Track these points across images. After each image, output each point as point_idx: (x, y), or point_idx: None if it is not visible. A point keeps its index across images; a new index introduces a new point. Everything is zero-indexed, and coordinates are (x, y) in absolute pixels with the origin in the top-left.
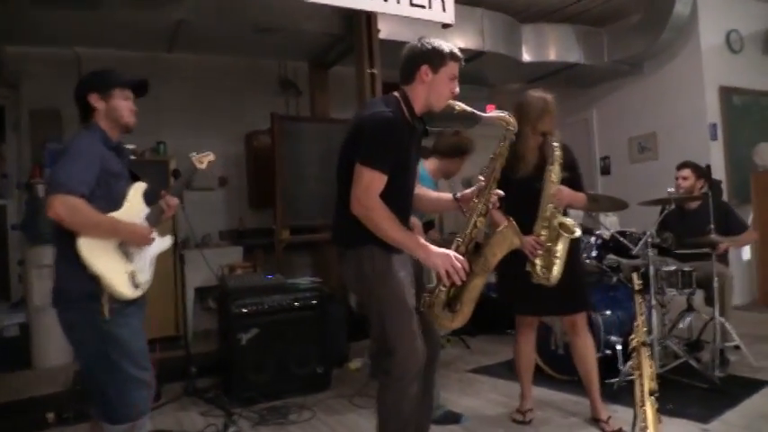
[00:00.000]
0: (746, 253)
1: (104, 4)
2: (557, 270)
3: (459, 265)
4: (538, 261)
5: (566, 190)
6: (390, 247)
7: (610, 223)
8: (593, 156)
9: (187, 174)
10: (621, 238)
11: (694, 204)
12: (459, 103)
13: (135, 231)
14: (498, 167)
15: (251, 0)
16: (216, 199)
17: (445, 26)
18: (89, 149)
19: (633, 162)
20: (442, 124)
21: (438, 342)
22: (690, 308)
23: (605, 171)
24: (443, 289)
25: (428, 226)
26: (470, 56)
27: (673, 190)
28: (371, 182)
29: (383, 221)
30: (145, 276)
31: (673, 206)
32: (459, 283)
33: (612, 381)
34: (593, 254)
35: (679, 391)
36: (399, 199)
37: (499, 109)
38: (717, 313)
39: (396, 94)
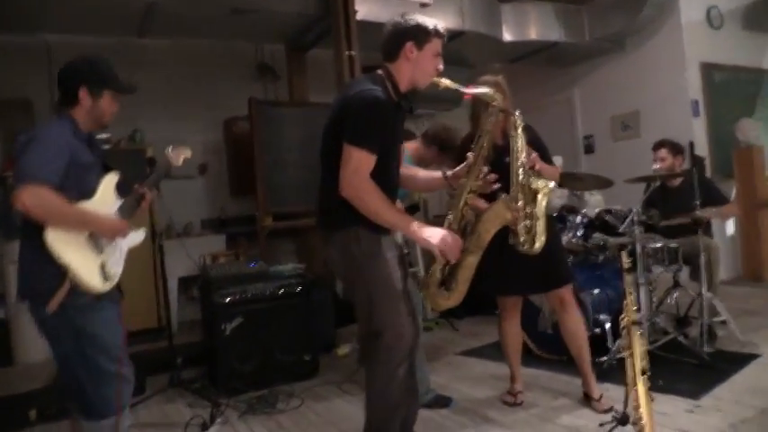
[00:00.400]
0: (730, 228)
1: None
2: (540, 234)
3: (453, 242)
4: (521, 230)
5: (538, 160)
6: (378, 228)
7: (595, 202)
8: (576, 135)
9: (161, 169)
10: (607, 217)
11: (677, 181)
12: (444, 80)
13: (105, 223)
14: (487, 144)
15: None
16: (196, 187)
17: (423, 5)
18: (58, 139)
19: (616, 140)
20: (430, 106)
21: (419, 326)
22: (676, 284)
23: (589, 150)
24: (438, 268)
25: (413, 210)
26: (450, 36)
27: (658, 167)
28: (361, 162)
29: (375, 203)
30: (116, 268)
31: (658, 183)
32: (453, 261)
33: (602, 359)
34: (579, 233)
35: (668, 367)
36: (386, 179)
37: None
38: (704, 289)
39: (380, 72)
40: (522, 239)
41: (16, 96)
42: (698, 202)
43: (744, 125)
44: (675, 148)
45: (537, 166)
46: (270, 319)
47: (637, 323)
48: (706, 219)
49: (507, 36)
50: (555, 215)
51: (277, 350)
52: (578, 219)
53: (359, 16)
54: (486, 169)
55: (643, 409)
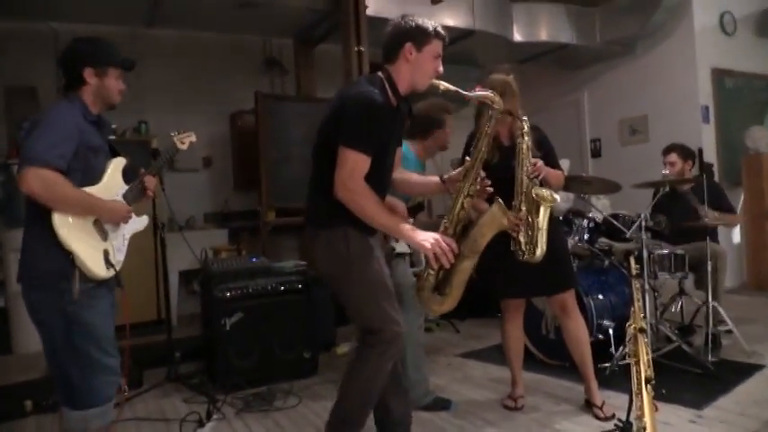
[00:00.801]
0: (737, 236)
1: None
2: (541, 243)
3: (446, 247)
4: (521, 238)
5: (543, 166)
6: (366, 228)
7: (601, 206)
8: (583, 138)
9: (167, 153)
10: (614, 221)
11: (686, 186)
12: (443, 83)
13: (112, 209)
14: (484, 147)
15: None
16: (200, 180)
17: (435, 2)
18: (67, 121)
19: (624, 144)
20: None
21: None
22: (681, 291)
23: (596, 154)
24: (432, 272)
25: (417, 209)
26: (460, 35)
27: (667, 172)
28: (356, 165)
29: (370, 206)
30: (119, 256)
31: (667, 188)
32: (447, 265)
33: (605, 365)
34: (585, 237)
35: (672, 375)
36: (378, 181)
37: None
38: (710, 297)
39: (380, 73)
40: (522, 248)
41: (22, 84)
42: (707, 209)
43: (754, 133)
44: (686, 153)
45: (542, 174)
46: (270, 315)
47: (643, 331)
48: (713, 226)
49: (518, 36)
50: (561, 218)
51: (276, 347)
52: (584, 223)
53: (369, 12)
54: (483, 173)
55: (647, 419)
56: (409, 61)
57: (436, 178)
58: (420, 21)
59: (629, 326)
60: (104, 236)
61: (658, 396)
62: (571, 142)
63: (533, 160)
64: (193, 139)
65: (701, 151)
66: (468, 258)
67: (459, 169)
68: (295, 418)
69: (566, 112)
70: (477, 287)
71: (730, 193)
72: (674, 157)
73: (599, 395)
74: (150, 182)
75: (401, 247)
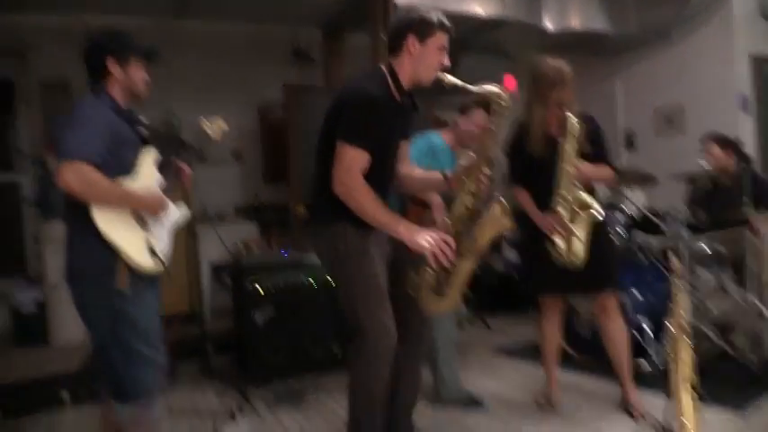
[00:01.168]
0: None
1: None
2: (578, 250)
3: (445, 246)
4: (557, 240)
5: (586, 167)
6: (365, 225)
7: (636, 199)
8: (616, 128)
9: (199, 138)
10: (650, 216)
11: (727, 179)
12: (449, 76)
13: (146, 200)
14: (490, 144)
15: None
16: (231, 173)
17: None
18: (98, 116)
19: (659, 135)
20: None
21: (423, 321)
22: (721, 288)
23: (629, 144)
24: (431, 271)
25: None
26: (489, 24)
27: (706, 163)
28: (353, 160)
29: (366, 202)
30: (162, 245)
31: (705, 181)
32: (446, 264)
33: (641, 361)
34: (620, 231)
35: (712, 376)
36: (378, 177)
37: (518, 81)
38: (750, 294)
39: (382, 67)
40: (557, 251)
41: (56, 79)
42: (746, 199)
43: None
44: (727, 144)
45: (583, 170)
46: (300, 309)
47: (683, 330)
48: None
49: (549, 25)
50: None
51: (307, 341)
52: (618, 216)
53: (398, 0)
54: (488, 172)
55: (688, 421)
56: (412, 54)
57: (438, 174)
58: (424, 12)
59: (669, 325)
60: (145, 226)
61: (699, 397)
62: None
63: (576, 165)
64: (224, 126)
65: (739, 142)
66: (468, 259)
67: (463, 165)
68: (325, 412)
69: (598, 102)
70: (510, 282)
71: None
72: (714, 147)
73: (636, 395)
74: (185, 167)
75: None
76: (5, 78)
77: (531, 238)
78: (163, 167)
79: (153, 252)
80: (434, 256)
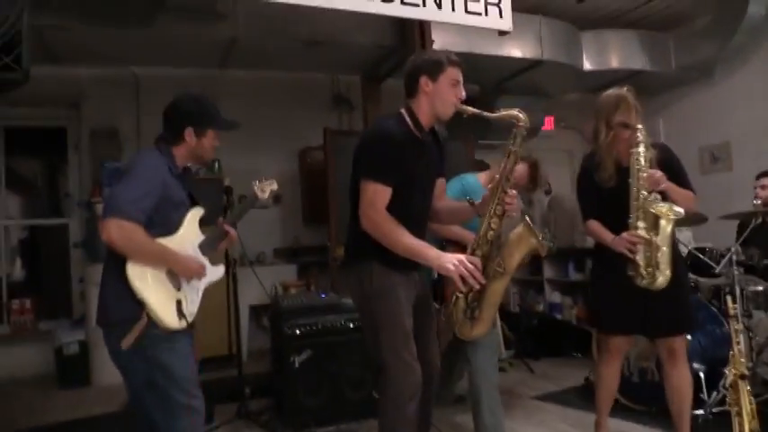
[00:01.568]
0: None
1: (159, 23)
2: (663, 266)
3: (472, 267)
4: (640, 260)
5: (663, 179)
6: (392, 264)
7: (684, 239)
8: None
9: (248, 203)
10: (701, 255)
11: None
12: (467, 107)
13: (185, 264)
14: (511, 166)
15: (302, 14)
16: (271, 216)
17: (502, 34)
18: (154, 175)
19: (704, 173)
20: (505, 137)
21: (436, 367)
22: None
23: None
24: (460, 295)
25: None
26: (528, 65)
27: (758, 201)
28: (375, 195)
29: (391, 232)
30: (192, 307)
31: (759, 220)
32: (475, 286)
33: (698, 413)
34: None
35: None
36: (407, 213)
37: (558, 121)
38: None
39: (402, 110)
40: (641, 272)
41: (105, 126)
42: None
43: None
44: None
45: (663, 186)
46: (340, 352)
47: (745, 377)
48: None
49: (587, 64)
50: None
51: (346, 385)
52: None
53: (435, 46)
54: (514, 192)
55: None
56: (427, 93)
57: (466, 203)
58: (432, 53)
59: (729, 371)
60: (178, 286)
61: None
62: None
63: (651, 171)
64: (275, 186)
65: None
66: (497, 280)
67: (490, 189)
68: None
69: None
70: (554, 325)
71: None
72: (766, 183)
73: None
74: (233, 235)
75: None
76: (59, 126)
77: (606, 272)
78: (207, 223)
79: (180, 313)
80: (462, 278)
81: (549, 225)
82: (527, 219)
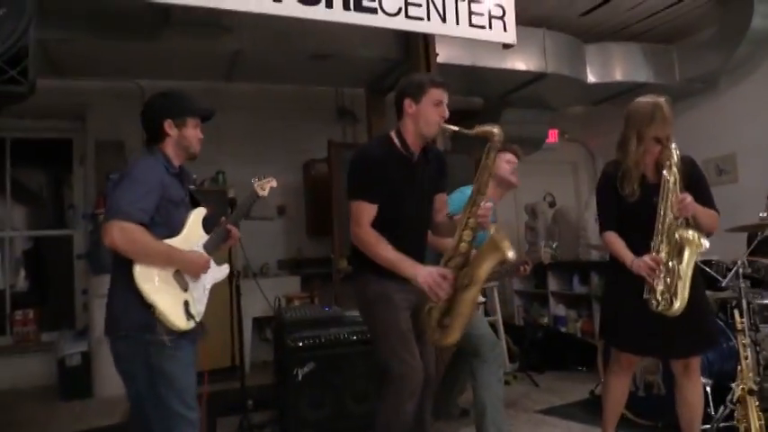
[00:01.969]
0: None
1: (164, 36)
2: (681, 295)
3: (440, 279)
4: (658, 285)
5: (691, 198)
6: (386, 274)
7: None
8: None
9: (248, 201)
10: (707, 268)
11: None
12: (450, 126)
13: (192, 260)
14: (485, 180)
15: (307, 28)
16: (274, 228)
17: (506, 47)
18: (150, 176)
19: (711, 185)
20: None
21: (431, 373)
22: None
23: None
24: (433, 305)
25: None
26: (532, 78)
27: (765, 214)
28: (359, 212)
29: (373, 246)
30: (199, 307)
31: (766, 232)
32: (444, 297)
33: (704, 428)
34: None
35: None
36: (397, 227)
37: (562, 133)
38: None
39: (391, 131)
40: (658, 297)
41: (110, 138)
42: None
43: None
44: None
45: (690, 212)
46: (343, 365)
47: (753, 392)
48: None
49: (591, 77)
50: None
51: (349, 399)
52: None
53: (440, 59)
54: (489, 204)
55: None
56: (411, 115)
57: (446, 217)
58: (415, 76)
59: (737, 386)
60: (185, 286)
61: None
62: None
63: (681, 195)
64: (274, 184)
65: None
66: (467, 290)
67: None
68: None
69: None
70: (558, 338)
71: None
72: None
73: None
74: (234, 233)
75: None
76: (65, 138)
77: (621, 289)
78: (209, 226)
79: (189, 313)
80: (432, 290)
81: (553, 237)
82: (493, 229)
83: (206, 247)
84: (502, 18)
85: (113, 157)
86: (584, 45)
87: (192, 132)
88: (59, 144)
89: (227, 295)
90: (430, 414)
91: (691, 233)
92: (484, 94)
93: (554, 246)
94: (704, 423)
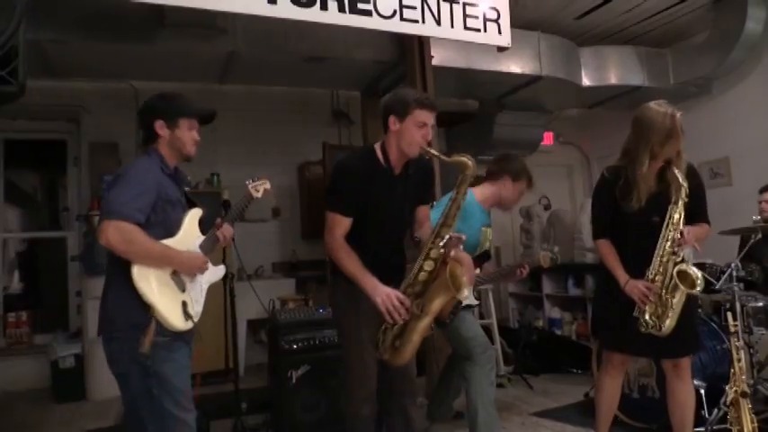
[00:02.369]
0: None
1: (159, 38)
2: (669, 322)
3: (397, 304)
4: (647, 308)
5: (692, 232)
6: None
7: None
8: None
9: (242, 202)
10: (701, 271)
11: None
12: (431, 150)
13: (188, 260)
14: (453, 213)
15: (301, 30)
16: (269, 230)
17: (500, 50)
18: (146, 176)
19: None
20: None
21: (407, 375)
22: None
23: None
24: (388, 326)
25: (483, 258)
26: (527, 81)
27: (758, 218)
28: (332, 223)
29: (342, 258)
30: (197, 307)
31: (759, 235)
32: (399, 321)
33: (698, 430)
34: None
35: None
36: (362, 237)
37: (557, 136)
38: None
39: (376, 144)
40: (646, 318)
41: (104, 139)
42: None
43: None
44: None
45: (688, 245)
46: (338, 367)
47: (746, 395)
48: None
49: (586, 80)
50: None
51: (343, 400)
52: None
53: (434, 62)
54: (454, 236)
55: None
56: (394, 132)
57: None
58: (402, 93)
59: (731, 389)
60: (182, 287)
61: None
62: None
63: (683, 230)
64: (268, 186)
65: None
66: (420, 319)
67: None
68: None
69: None
70: (553, 341)
71: None
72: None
73: None
74: (227, 230)
75: (468, 300)
76: (59, 139)
77: (612, 293)
78: (205, 227)
79: (187, 314)
80: (388, 312)
81: (548, 240)
82: (451, 266)
83: (202, 247)
84: (497, 21)
85: (107, 159)
86: (579, 48)
87: (186, 134)
88: (53, 145)
89: (222, 297)
90: (417, 424)
91: (689, 270)
92: (479, 96)
93: (555, 250)
94: (698, 425)
